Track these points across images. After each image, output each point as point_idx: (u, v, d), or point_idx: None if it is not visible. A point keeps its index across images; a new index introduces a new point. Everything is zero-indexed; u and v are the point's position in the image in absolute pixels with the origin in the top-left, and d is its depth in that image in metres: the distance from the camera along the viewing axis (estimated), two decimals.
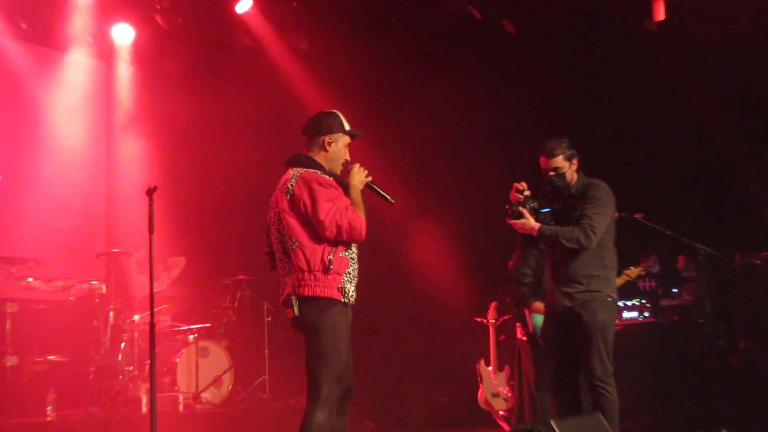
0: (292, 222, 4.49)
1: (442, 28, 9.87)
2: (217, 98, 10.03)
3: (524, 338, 7.37)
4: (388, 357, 9.89)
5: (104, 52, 10.31)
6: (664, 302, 8.90)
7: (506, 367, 8.33)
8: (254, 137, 10.08)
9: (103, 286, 8.43)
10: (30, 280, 8.05)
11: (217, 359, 8.71)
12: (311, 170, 4.53)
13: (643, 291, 8.80)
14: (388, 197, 4.69)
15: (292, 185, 4.51)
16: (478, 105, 9.62)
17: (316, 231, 4.46)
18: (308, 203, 4.44)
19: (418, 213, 9.78)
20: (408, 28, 10.05)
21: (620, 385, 5.31)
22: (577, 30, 9.32)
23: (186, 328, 8.80)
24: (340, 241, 4.48)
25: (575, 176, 5.54)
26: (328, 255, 4.43)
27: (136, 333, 8.28)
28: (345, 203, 4.48)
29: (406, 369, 10.04)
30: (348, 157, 4.71)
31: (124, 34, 10.07)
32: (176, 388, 8.35)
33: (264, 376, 9.07)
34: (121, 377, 8.07)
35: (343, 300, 4.46)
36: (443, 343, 9.80)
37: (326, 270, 4.42)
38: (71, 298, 8.52)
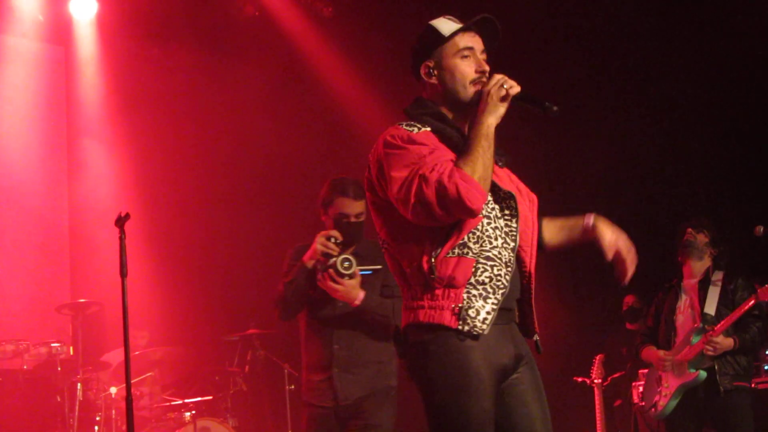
0: (375, 212, 4.06)
1: None
2: (214, 88, 10.33)
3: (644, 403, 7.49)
4: None
5: (58, 31, 10.67)
6: None
7: None
8: (266, 140, 10.33)
9: (70, 349, 8.69)
10: None
11: None
12: (396, 125, 4.02)
13: None
14: (548, 104, 3.87)
15: (370, 158, 4.05)
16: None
17: (405, 220, 3.88)
18: (381, 180, 3.95)
19: None
20: None
21: None
22: None
23: (180, 402, 8.98)
24: (443, 230, 3.84)
25: None
26: (430, 258, 3.84)
27: (113, 411, 8.45)
28: (434, 160, 3.80)
29: None
30: (480, 68, 4.02)
31: (84, 5, 10.41)
32: None
33: None
34: None
35: (462, 328, 3.78)
36: None
37: (428, 282, 3.84)
38: (25, 367, 8.69)
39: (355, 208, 5.77)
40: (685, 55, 9.63)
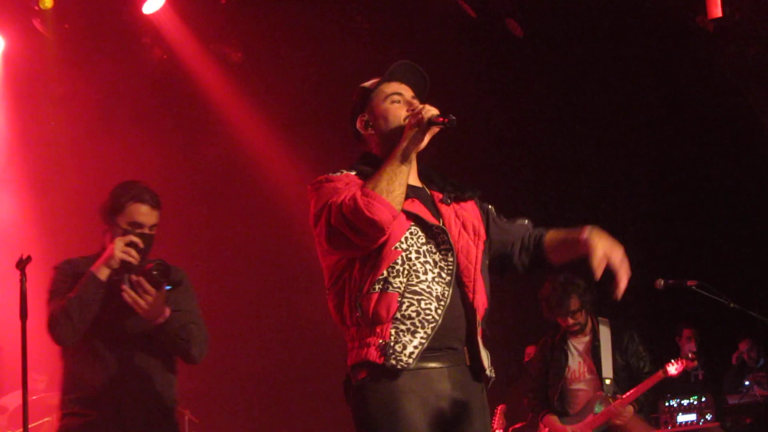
0: (321, 261, 4.08)
1: (422, 28, 10.14)
2: (120, 131, 10.26)
3: None
4: None
5: None
6: (731, 400, 9.09)
7: None
8: (167, 182, 10.27)
9: None
10: None
11: None
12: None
13: (700, 384, 9.00)
14: (452, 118, 3.87)
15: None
16: (477, 119, 9.94)
17: (337, 263, 3.99)
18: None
19: None
20: (379, 29, 10.32)
21: None
22: (609, 30, 9.66)
23: None
24: (366, 267, 3.88)
25: None
26: (357, 296, 3.88)
27: None
28: (344, 189, 3.88)
29: None
30: (411, 108, 4.07)
31: None
32: None
33: None
34: None
35: (386, 363, 3.78)
36: None
37: (358, 322, 3.89)
38: None
39: (151, 217, 5.21)
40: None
